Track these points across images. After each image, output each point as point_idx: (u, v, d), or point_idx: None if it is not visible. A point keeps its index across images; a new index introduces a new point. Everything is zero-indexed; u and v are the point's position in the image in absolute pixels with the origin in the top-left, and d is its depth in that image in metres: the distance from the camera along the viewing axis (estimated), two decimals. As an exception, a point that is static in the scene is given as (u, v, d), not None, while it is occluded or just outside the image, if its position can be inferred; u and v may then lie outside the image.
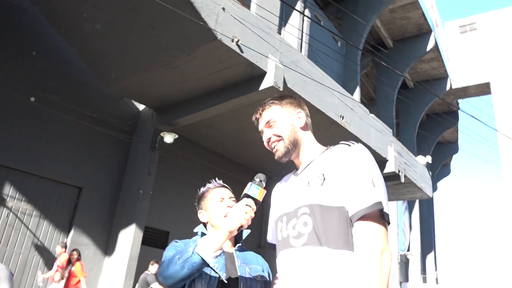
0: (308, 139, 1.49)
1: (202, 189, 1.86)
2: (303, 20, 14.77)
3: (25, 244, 7.69)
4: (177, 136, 8.88)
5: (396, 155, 11.02)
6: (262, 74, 7.43)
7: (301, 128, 1.48)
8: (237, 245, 1.76)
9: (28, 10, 8.33)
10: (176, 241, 1.69)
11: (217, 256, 1.43)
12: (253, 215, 1.42)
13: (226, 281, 1.56)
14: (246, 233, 1.75)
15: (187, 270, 1.41)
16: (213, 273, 1.57)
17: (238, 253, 1.72)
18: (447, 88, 25.43)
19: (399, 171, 10.99)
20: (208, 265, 1.43)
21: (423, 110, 25.90)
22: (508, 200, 24.54)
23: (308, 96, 8.14)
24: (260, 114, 1.53)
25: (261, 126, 1.53)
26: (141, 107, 9.84)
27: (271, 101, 1.53)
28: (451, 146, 32.71)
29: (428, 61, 24.43)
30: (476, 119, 10.84)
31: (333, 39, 18.62)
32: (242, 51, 7.01)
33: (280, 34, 11.05)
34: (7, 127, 7.66)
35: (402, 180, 11.24)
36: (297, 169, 1.50)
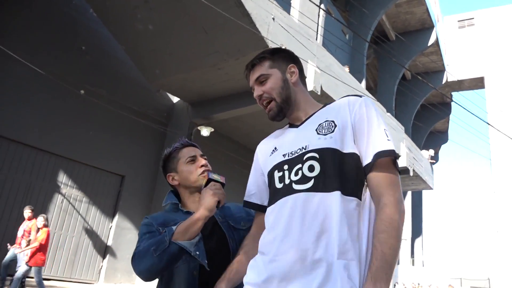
0: (302, 94, 1.41)
1: (167, 150, 1.69)
2: (318, 14, 15.28)
3: (77, 228, 8.31)
4: (213, 130, 9.48)
5: (408, 151, 11.82)
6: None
7: (293, 83, 1.39)
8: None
9: (79, 6, 8.71)
10: (147, 217, 1.55)
11: (196, 243, 1.36)
12: (223, 192, 1.42)
13: (208, 269, 1.41)
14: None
15: (166, 262, 1.33)
16: (196, 247, 1.42)
17: (217, 212, 1.57)
18: (444, 81, 26.29)
19: (408, 166, 11.82)
20: (189, 254, 1.35)
21: (419, 102, 26.85)
22: (496, 190, 25.82)
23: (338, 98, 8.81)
24: (250, 70, 1.43)
25: (251, 83, 1.43)
26: (175, 99, 10.38)
27: (261, 56, 1.42)
28: (441, 136, 33.89)
29: (428, 55, 25.18)
30: (468, 111, 11.65)
31: (342, 32, 19.17)
32: (288, 58, 7.60)
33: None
34: (62, 119, 8.16)
35: (411, 174, 12.08)
36: (294, 124, 1.40)
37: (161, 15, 7.64)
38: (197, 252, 1.37)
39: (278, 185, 1.27)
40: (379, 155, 1.17)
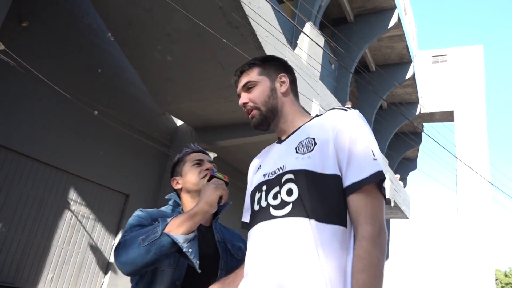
0: (291, 106, 1.34)
1: (178, 155, 1.71)
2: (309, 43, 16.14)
3: (83, 244, 8.58)
4: (216, 155, 10.00)
5: (390, 183, 12.68)
6: (307, 115, 8.74)
7: (282, 93, 1.33)
8: (216, 217, 1.59)
9: (97, 29, 9.12)
10: (141, 210, 1.48)
11: (190, 240, 1.25)
12: (226, 189, 1.38)
13: (199, 271, 1.31)
14: (227, 205, 1.59)
15: (153, 255, 1.22)
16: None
17: (218, 228, 1.56)
18: (417, 112, 27.79)
19: (390, 197, 12.68)
20: (179, 250, 1.25)
21: (393, 130, 28.20)
22: (460, 219, 27.26)
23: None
24: (239, 76, 1.39)
25: (238, 89, 1.38)
26: (178, 122, 10.84)
27: (252, 62, 1.39)
28: (410, 163, 35.49)
29: (404, 87, 26.62)
30: (438, 143, 12.70)
31: (328, 61, 20.15)
32: (296, 97, 8.28)
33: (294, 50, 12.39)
34: (74, 138, 8.48)
35: (392, 204, 12.94)
36: (280, 138, 1.34)
37: (182, 48, 8.16)
38: (190, 250, 1.25)
39: (256, 207, 1.21)
40: (362, 182, 1.06)
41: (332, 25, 21.11)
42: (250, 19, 7.15)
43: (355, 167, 1.08)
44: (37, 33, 7.96)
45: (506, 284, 43.93)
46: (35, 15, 7.91)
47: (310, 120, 1.27)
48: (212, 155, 9.92)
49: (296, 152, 1.17)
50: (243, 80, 1.36)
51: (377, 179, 1.07)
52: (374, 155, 1.10)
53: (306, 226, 1.05)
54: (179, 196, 1.62)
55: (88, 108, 8.42)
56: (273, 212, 1.13)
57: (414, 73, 24.87)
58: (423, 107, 28.62)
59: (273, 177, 1.20)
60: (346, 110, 1.20)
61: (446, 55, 30.65)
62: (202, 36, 7.58)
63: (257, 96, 1.31)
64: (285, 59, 7.08)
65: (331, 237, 1.03)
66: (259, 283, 1.07)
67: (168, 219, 1.28)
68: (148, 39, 8.31)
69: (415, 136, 30.70)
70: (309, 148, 1.15)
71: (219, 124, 9.81)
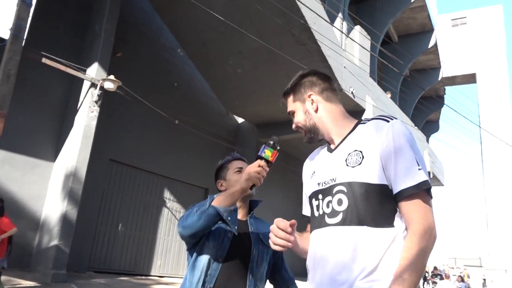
0: (329, 117, 1.40)
1: (221, 161, 1.91)
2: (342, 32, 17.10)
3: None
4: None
5: (430, 158, 13.93)
6: (361, 110, 9.98)
7: (315, 111, 1.40)
8: (251, 212, 1.83)
9: (169, 47, 10.36)
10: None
11: (231, 211, 1.51)
12: (265, 175, 1.48)
13: (236, 233, 1.65)
14: (259, 202, 1.85)
15: (203, 221, 1.49)
16: (225, 236, 1.65)
17: (252, 221, 1.79)
18: (440, 77, 28.55)
19: (429, 170, 13.97)
20: (222, 219, 1.51)
21: (417, 97, 29.09)
22: (486, 176, 28.41)
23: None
24: (282, 105, 1.56)
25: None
26: (239, 120, 12.17)
27: (285, 91, 1.51)
28: (433, 125, 36.45)
29: (426, 54, 27.31)
30: (457, 112, 13.83)
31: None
32: (354, 96, 9.51)
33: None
34: (164, 145, 9.91)
35: (431, 176, 14.24)
36: (329, 145, 1.42)
37: (251, 62, 9.39)
38: (229, 218, 1.55)
39: (315, 213, 1.34)
40: (409, 190, 1.16)
41: (356, 2, 21.80)
42: (316, 38, 8.32)
43: (403, 177, 1.17)
44: (128, 60, 9.24)
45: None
46: (126, 45, 9.17)
47: (355, 128, 1.34)
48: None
49: (347, 165, 1.26)
50: (286, 109, 1.51)
51: (425, 187, 1.16)
52: (419, 165, 1.18)
53: (356, 233, 1.18)
54: None
55: (171, 119, 9.81)
56: (327, 220, 1.26)
57: (436, 41, 25.49)
58: (444, 70, 29.29)
59: (326, 186, 1.31)
60: (388, 121, 1.26)
61: (465, 17, 30.95)
62: (271, 52, 8.78)
63: (298, 121, 1.43)
64: (343, 65, 8.28)
65: (381, 239, 1.16)
66: (316, 282, 1.26)
67: (215, 195, 1.57)
68: (220, 55, 9.54)
69: (438, 99, 31.56)
70: (357, 161, 1.23)
71: (280, 120, 11.10)
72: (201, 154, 10.90)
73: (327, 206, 1.27)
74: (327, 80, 1.45)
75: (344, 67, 9.23)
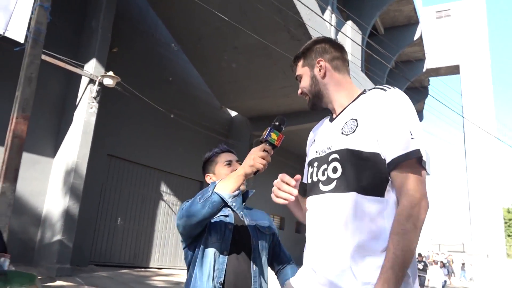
0: (335, 86, 1.39)
1: (208, 154, 1.89)
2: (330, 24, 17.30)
3: (176, 227, 10.35)
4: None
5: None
6: (353, 104, 10.24)
7: (322, 77, 1.39)
8: (243, 203, 1.81)
9: (163, 42, 10.42)
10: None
11: (234, 196, 1.47)
12: (269, 159, 1.45)
13: (242, 219, 1.68)
14: (250, 193, 1.82)
15: (207, 209, 1.47)
16: (226, 228, 1.65)
17: (245, 212, 1.79)
18: (424, 69, 29.07)
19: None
20: (227, 204, 1.48)
21: (402, 89, 29.58)
22: (468, 163, 29.16)
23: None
24: (292, 70, 1.53)
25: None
26: (233, 113, 12.31)
27: (296, 56, 1.50)
28: (417, 115, 37.18)
29: (411, 46, 27.75)
30: (441, 102, 14.28)
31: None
32: (346, 91, 9.75)
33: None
34: (160, 139, 10.02)
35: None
36: (332, 115, 1.42)
37: (247, 58, 9.53)
38: (234, 204, 1.53)
39: (308, 180, 1.38)
40: (400, 158, 1.14)
41: (343, -5, 21.99)
42: (310, 34, 8.50)
43: (395, 145, 1.15)
44: (123, 55, 9.29)
45: (510, 219, 46.84)
46: (121, 40, 9.20)
47: (357, 98, 1.33)
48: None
49: (342, 133, 1.27)
50: (294, 73, 1.50)
51: (415, 156, 1.13)
52: (412, 134, 1.15)
53: (346, 199, 1.19)
54: None
55: (167, 113, 9.92)
56: (321, 187, 1.28)
57: (421, 33, 25.91)
58: (429, 63, 29.81)
59: (322, 155, 1.32)
60: (385, 90, 1.25)
61: (449, 9, 31.46)
62: (267, 48, 8.93)
63: (304, 86, 1.43)
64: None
65: (371, 206, 1.16)
66: (311, 250, 1.29)
67: (217, 181, 1.53)
68: (216, 51, 9.66)
69: (422, 90, 32.15)
70: (352, 129, 1.24)
71: (273, 114, 11.27)
72: (196, 147, 11.03)
73: (323, 174, 1.29)
74: (340, 50, 1.45)
75: (327, 39, 9.40)
